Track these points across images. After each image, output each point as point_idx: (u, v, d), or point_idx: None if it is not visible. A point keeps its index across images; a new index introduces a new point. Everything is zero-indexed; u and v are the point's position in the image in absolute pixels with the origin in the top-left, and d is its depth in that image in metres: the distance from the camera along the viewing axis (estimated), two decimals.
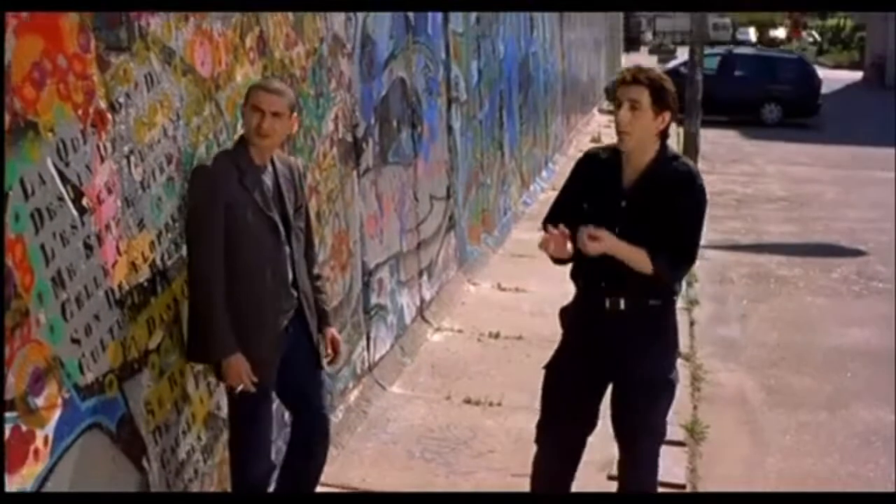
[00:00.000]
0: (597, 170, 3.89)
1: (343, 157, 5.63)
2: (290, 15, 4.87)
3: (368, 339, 6.12)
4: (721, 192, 13.65)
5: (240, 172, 3.68)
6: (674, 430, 5.67)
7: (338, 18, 5.50)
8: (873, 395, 6.37)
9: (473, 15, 9.18)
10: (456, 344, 7.09)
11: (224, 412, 4.17)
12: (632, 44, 53.68)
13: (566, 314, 4.02)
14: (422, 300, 7.32)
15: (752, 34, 66.03)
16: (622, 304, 3.76)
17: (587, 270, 3.85)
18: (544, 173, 13.87)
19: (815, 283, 9.10)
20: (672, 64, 22.68)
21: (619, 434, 3.92)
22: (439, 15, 7.82)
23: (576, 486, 4.11)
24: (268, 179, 3.79)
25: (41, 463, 2.98)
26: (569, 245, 3.71)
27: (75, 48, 3.16)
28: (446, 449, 5.39)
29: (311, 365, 4.06)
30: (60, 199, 3.08)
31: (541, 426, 4.05)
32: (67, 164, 3.11)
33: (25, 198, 2.91)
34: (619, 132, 3.76)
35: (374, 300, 6.22)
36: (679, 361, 6.59)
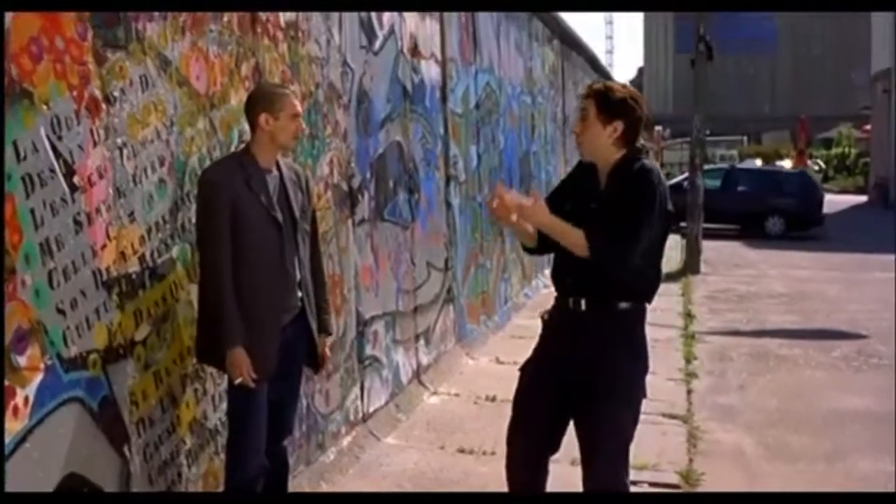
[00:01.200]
0: (579, 175, 4.03)
1: (338, 202, 5.76)
2: (287, 55, 5.07)
3: (362, 388, 6.13)
4: (724, 290, 13.71)
5: (245, 175, 3.82)
6: (667, 476, 5.67)
7: (334, 68, 5.71)
8: (873, 449, 6.30)
9: (473, 99, 9.45)
10: (452, 405, 7.08)
11: (211, 422, 4.20)
12: None
13: (543, 316, 4.08)
14: (419, 364, 7.34)
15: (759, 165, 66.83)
16: (583, 305, 3.83)
17: (557, 271, 3.95)
18: (547, 271, 13.94)
19: (814, 360, 9.06)
20: (676, 180, 22.97)
21: (579, 436, 3.90)
22: (437, 91, 8.06)
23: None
24: (274, 182, 3.93)
25: (20, 422, 3.02)
26: (529, 228, 3.84)
27: (73, 34, 3.34)
28: (439, 488, 5.35)
29: (300, 368, 4.14)
30: (52, 170, 3.20)
31: (511, 427, 4.06)
32: (60, 139, 3.24)
33: (18, 160, 3.04)
34: (576, 142, 3.96)
35: (368, 351, 6.25)
36: (674, 421, 6.71)
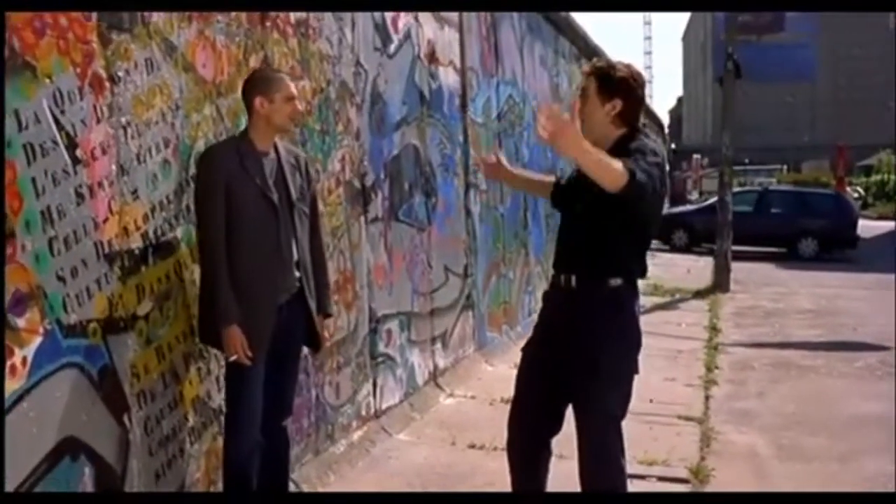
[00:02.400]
0: None
1: (350, 199, 5.84)
2: (297, 51, 5.18)
3: (375, 385, 6.19)
4: (751, 306, 13.64)
5: (241, 157, 3.92)
6: (677, 471, 5.66)
7: (346, 67, 5.81)
8: (889, 451, 6.23)
9: (494, 110, 9.53)
10: (467, 406, 7.12)
11: (215, 402, 4.28)
12: (676, 200, 54.23)
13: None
14: (435, 366, 7.39)
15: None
16: (573, 282, 3.87)
17: (557, 250, 4.01)
18: None
19: (836, 369, 8.99)
20: (710, 201, 22.90)
21: (574, 411, 3.93)
22: (456, 98, 8.16)
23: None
24: (271, 164, 4.02)
25: (17, 381, 3.11)
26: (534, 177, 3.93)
27: (77, 13, 3.44)
28: (446, 482, 5.38)
29: (298, 348, 4.21)
30: (55, 142, 3.31)
31: (512, 408, 4.11)
32: (63, 112, 3.35)
33: (19, 129, 3.15)
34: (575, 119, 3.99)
35: (381, 348, 6.31)
36: (689, 423, 6.69)
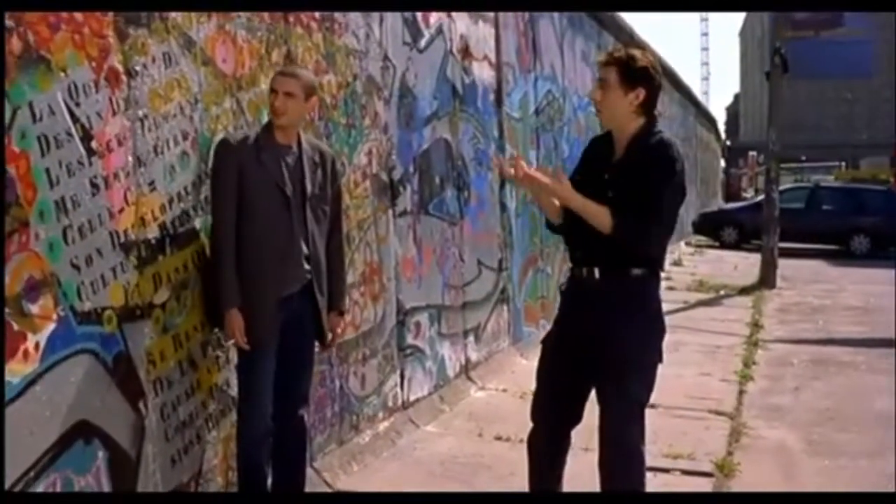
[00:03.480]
0: (595, 148, 4.09)
1: (377, 192, 5.90)
2: (321, 45, 5.25)
3: (403, 377, 6.25)
4: (796, 303, 13.50)
5: (259, 149, 4.00)
6: (702, 465, 5.64)
7: (374, 62, 5.87)
8: None
9: (532, 105, 9.55)
10: (498, 399, 7.15)
11: (233, 390, 4.35)
12: (732, 197, 53.68)
13: (560, 288, 4.14)
14: (467, 360, 7.43)
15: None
16: (596, 274, 3.87)
17: (571, 242, 4.02)
18: None
19: (877, 366, 8.85)
20: (760, 198, 22.67)
21: (599, 401, 3.95)
22: (491, 93, 8.18)
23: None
24: (289, 158, 4.08)
25: (30, 365, 3.20)
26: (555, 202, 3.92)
27: None
28: (467, 471, 5.43)
29: (310, 340, 4.27)
30: (69, 133, 3.40)
31: (534, 400, 4.13)
32: (78, 105, 3.44)
33: (33, 121, 3.24)
34: (595, 110, 4.00)
35: (409, 340, 6.37)
36: (720, 418, 6.66)
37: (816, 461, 6.00)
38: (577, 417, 4.07)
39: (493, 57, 8.25)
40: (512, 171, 3.85)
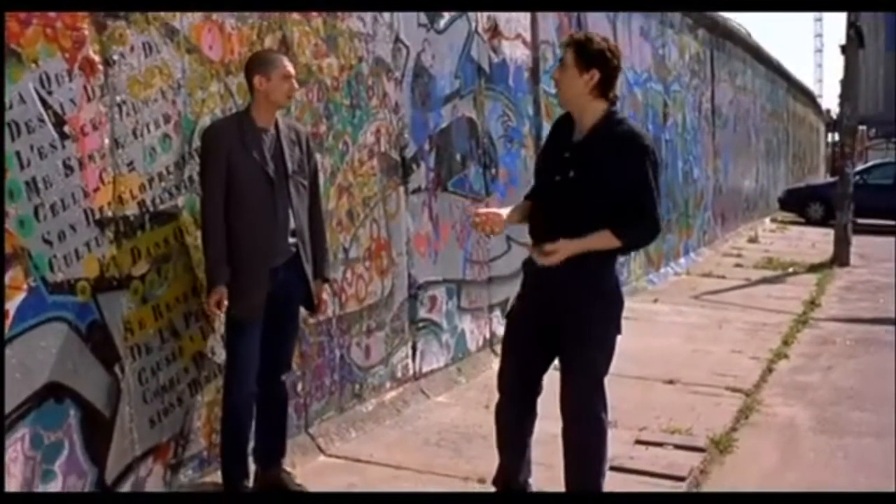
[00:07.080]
0: (558, 130, 4.24)
1: (387, 170, 6.12)
2: (322, 29, 5.47)
3: (415, 349, 6.48)
4: (863, 281, 13.26)
5: (242, 132, 4.28)
6: (697, 439, 5.73)
7: (382, 44, 6.07)
8: None
9: None
10: None
11: (219, 358, 4.65)
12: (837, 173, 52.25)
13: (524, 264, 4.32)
14: (492, 333, 7.60)
15: None
16: None
17: (532, 221, 4.18)
18: (682, 260, 13.84)
19: None
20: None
21: (562, 374, 4.12)
22: (524, 71, 8.30)
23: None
24: (270, 139, 4.36)
25: None
26: (503, 212, 4.14)
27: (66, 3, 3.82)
28: (463, 440, 5.62)
29: (296, 309, 4.58)
30: (41, 119, 3.70)
31: (500, 372, 4.33)
32: (50, 93, 3.74)
33: (1, 110, 3.54)
34: (555, 87, 4.17)
35: (422, 314, 6.59)
36: (735, 394, 6.70)
37: (820, 439, 6.02)
38: (538, 388, 4.27)
39: (527, 35, 8.36)
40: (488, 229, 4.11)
